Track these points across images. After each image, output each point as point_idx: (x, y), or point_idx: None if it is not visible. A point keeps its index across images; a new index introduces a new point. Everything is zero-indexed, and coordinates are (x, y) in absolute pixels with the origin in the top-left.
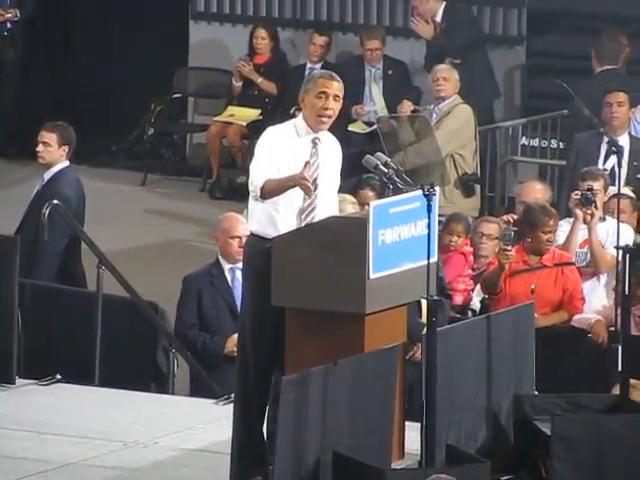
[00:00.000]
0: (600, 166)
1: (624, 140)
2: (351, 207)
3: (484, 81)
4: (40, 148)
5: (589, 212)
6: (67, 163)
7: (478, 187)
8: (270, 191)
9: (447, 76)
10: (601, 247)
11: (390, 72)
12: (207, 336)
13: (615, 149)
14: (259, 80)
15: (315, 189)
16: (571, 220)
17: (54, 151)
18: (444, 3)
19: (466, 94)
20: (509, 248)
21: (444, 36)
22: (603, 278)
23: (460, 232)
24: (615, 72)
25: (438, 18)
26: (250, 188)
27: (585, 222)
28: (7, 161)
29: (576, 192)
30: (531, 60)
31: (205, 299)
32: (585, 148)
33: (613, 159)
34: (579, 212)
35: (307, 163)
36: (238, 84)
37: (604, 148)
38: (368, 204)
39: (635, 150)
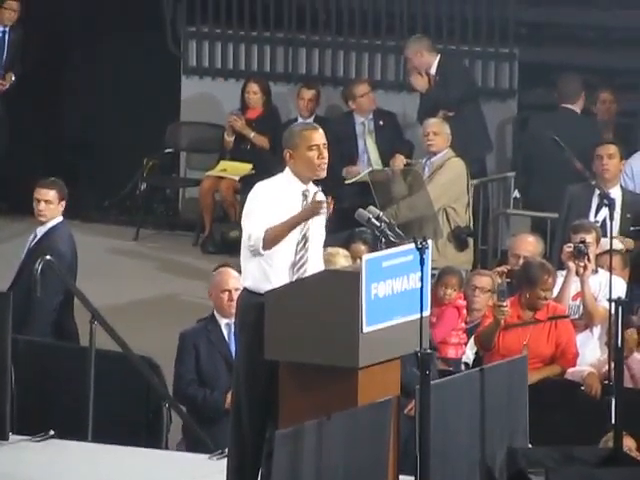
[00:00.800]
0: (592, 218)
1: (615, 192)
2: (344, 260)
3: (477, 134)
4: (42, 207)
5: (582, 264)
6: (61, 218)
7: (472, 241)
8: (273, 238)
9: (437, 130)
10: (594, 300)
11: (381, 123)
12: (207, 391)
13: (607, 202)
14: (252, 135)
15: (305, 243)
16: (563, 273)
17: (55, 208)
18: (438, 56)
19: (459, 147)
20: (504, 304)
21: (438, 88)
22: (596, 331)
23: (454, 285)
24: (570, 111)
25: (432, 71)
26: (249, 244)
27: (578, 274)
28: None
29: (569, 245)
30: (523, 113)
31: (202, 354)
32: (577, 200)
33: (604, 211)
34: (572, 265)
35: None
36: (230, 139)
37: (595, 200)
38: (360, 258)
39: (627, 202)
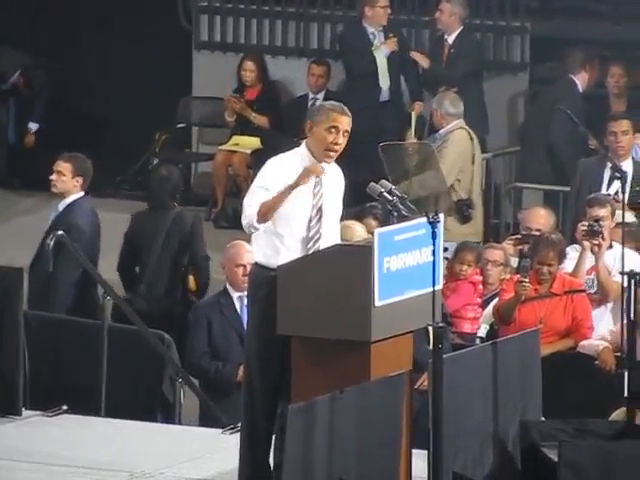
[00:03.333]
0: (604, 191)
1: (627, 165)
2: (362, 231)
3: (476, 114)
4: (54, 177)
5: (596, 243)
6: (81, 194)
7: (479, 213)
8: (267, 209)
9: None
10: (608, 276)
11: (391, 35)
12: (219, 364)
13: (619, 174)
14: (252, 116)
15: (320, 218)
16: (578, 247)
17: (67, 181)
18: (461, 28)
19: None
20: (526, 280)
21: (449, 62)
22: (610, 304)
23: (471, 261)
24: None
25: (450, 40)
26: (243, 223)
27: (592, 252)
28: (10, 192)
29: (582, 223)
30: (534, 87)
31: (215, 328)
32: (589, 174)
33: (616, 184)
34: (586, 243)
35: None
36: (231, 118)
37: (607, 173)
38: (371, 233)
39: (638, 174)
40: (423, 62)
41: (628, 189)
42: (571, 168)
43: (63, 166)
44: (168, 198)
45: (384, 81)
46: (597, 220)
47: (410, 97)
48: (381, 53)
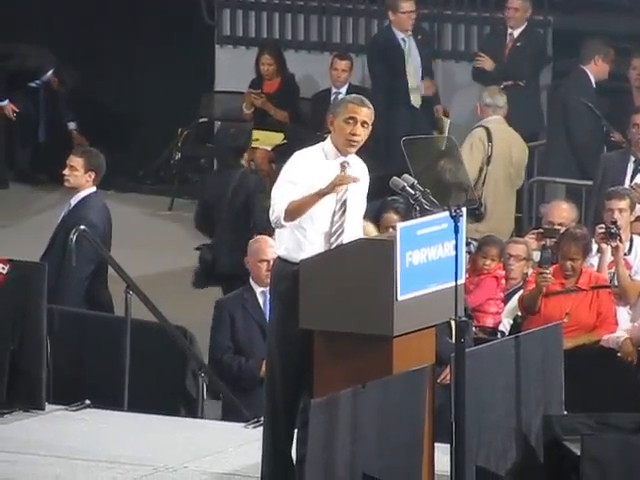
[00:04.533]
0: (627, 185)
1: None
2: (373, 231)
3: (533, 111)
4: (66, 172)
5: (614, 245)
6: (94, 189)
7: (492, 212)
8: (295, 209)
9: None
10: (628, 277)
11: (420, 37)
12: (242, 359)
13: None
14: (272, 111)
15: (343, 212)
16: (595, 246)
17: (80, 176)
18: (526, 24)
19: (514, 120)
20: (547, 271)
21: (512, 57)
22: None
23: (494, 256)
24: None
25: (515, 34)
26: (271, 217)
27: (612, 255)
28: (36, 188)
29: (600, 226)
30: (557, 80)
31: (238, 323)
32: (611, 167)
33: (639, 178)
34: (604, 246)
35: (343, 164)
36: (249, 111)
37: (631, 167)
38: (392, 227)
39: None
40: (486, 65)
41: None
42: (589, 161)
43: (75, 161)
44: (233, 158)
45: (415, 98)
46: (614, 222)
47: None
48: (412, 64)
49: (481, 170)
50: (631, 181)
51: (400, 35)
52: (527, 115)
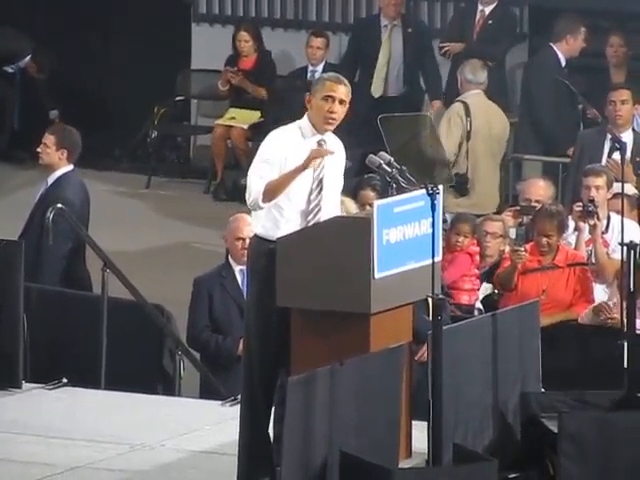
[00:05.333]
0: (604, 162)
1: (627, 136)
2: (354, 207)
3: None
4: (40, 149)
5: (592, 223)
6: (70, 167)
7: (474, 186)
8: (273, 189)
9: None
10: (606, 256)
11: (410, 30)
12: (220, 337)
13: (618, 145)
14: (250, 89)
15: (320, 190)
16: (572, 223)
17: (52, 153)
18: (497, 1)
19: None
20: (521, 248)
21: (483, 35)
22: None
23: (467, 232)
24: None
25: (487, 10)
26: (249, 200)
27: (589, 233)
28: (12, 165)
29: (577, 204)
30: (533, 58)
31: (216, 301)
32: (588, 145)
33: (616, 155)
34: (582, 224)
35: (319, 142)
36: (224, 88)
37: (607, 145)
38: (369, 204)
39: (638, 145)
40: (454, 49)
41: (628, 160)
42: (558, 138)
43: (48, 138)
44: None
45: (376, 88)
46: (591, 201)
47: (429, 96)
48: (386, 53)
49: (460, 145)
50: (608, 158)
51: (384, 22)
52: (496, 94)
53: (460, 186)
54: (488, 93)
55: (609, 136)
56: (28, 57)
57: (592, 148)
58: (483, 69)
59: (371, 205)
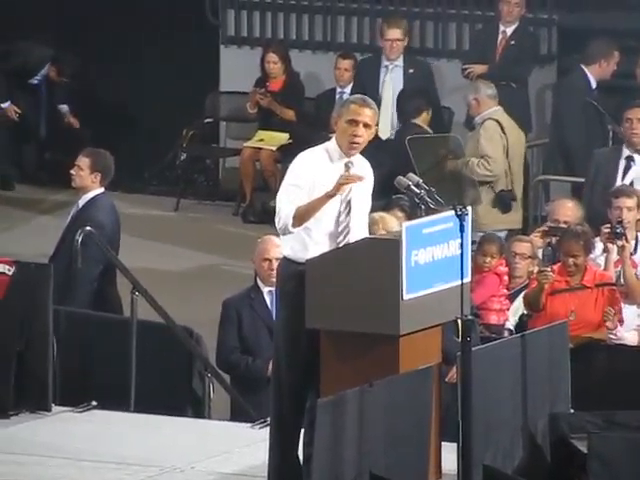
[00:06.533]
0: (619, 181)
1: None
2: (396, 223)
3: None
4: (73, 171)
5: (620, 244)
6: (101, 190)
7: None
8: (303, 214)
9: (475, 95)
10: (634, 277)
11: (411, 71)
12: (250, 359)
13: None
14: (278, 110)
15: (348, 212)
16: (600, 244)
17: (85, 176)
18: (519, 22)
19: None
20: (547, 269)
21: (506, 56)
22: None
23: (494, 253)
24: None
25: (509, 32)
26: (278, 224)
27: (618, 254)
28: (42, 189)
29: (606, 225)
30: (562, 79)
31: (245, 322)
32: (604, 163)
33: (632, 174)
34: (611, 245)
35: (347, 165)
36: (253, 111)
37: (622, 163)
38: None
39: None
40: (477, 70)
41: None
42: (587, 159)
43: (82, 161)
44: None
45: (383, 128)
46: (620, 221)
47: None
48: (385, 95)
49: (501, 161)
50: (623, 177)
51: (385, 62)
52: (520, 115)
53: (506, 202)
54: (511, 114)
55: (625, 154)
56: (48, 64)
57: (607, 167)
58: (492, 84)
59: (402, 225)
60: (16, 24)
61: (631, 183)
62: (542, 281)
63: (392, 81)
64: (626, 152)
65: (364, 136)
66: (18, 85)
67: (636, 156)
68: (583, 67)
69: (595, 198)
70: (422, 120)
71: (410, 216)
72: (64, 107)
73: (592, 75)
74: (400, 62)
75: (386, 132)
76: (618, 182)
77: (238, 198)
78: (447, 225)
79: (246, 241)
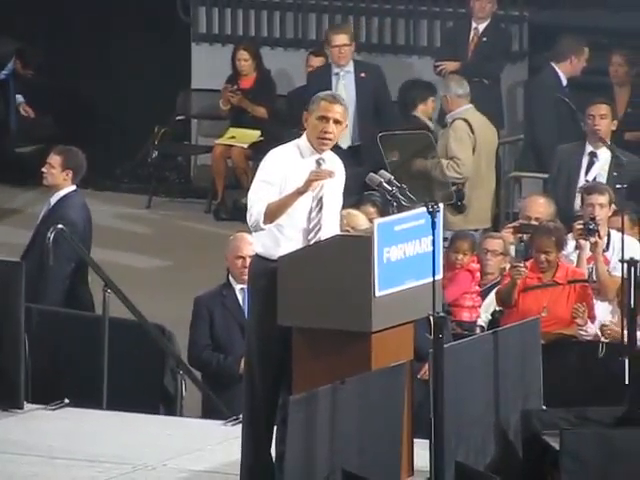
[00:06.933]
0: (582, 177)
1: (604, 152)
2: (365, 220)
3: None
4: (44, 169)
5: (593, 241)
6: (73, 187)
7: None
8: (274, 211)
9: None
10: (607, 273)
11: (363, 75)
12: (221, 356)
13: (619, 162)
14: (250, 108)
15: (320, 209)
16: (573, 241)
17: (57, 174)
18: (489, 20)
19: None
20: (520, 264)
21: (478, 53)
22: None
23: (466, 250)
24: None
25: (480, 28)
26: (250, 221)
27: (590, 250)
28: (12, 186)
29: (578, 222)
30: (533, 76)
31: (217, 320)
32: (567, 160)
33: (595, 170)
34: (583, 242)
35: (318, 161)
36: (226, 108)
37: (586, 159)
38: (370, 220)
39: (615, 161)
40: (450, 67)
41: (604, 174)
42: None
43: (54, 159)
44: None
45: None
46: (592, 219)
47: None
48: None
49: (466, 161)
50: (586, 173)
51: (335, 70)
52: (492, 112)
53: (456, 204)
54: (484, 111)
55: (588, 150)
56: (13, 58)
57: (570, 163)
58: (465, 81)
59: (371, 220)
60: None
61: (594, 179)
62: (515, 276)
63: (345, 88)
64: (589, 148)
65: (335, 132)
66: None
67: (599, 152)
68: (553, 65)
69: (559, 194)
70: (421, 112)
71: (382, 212)
72: (19, 97)
73: (562, 72)
74: (350, 67)
75: (347, 141)
76: (581, 178)
77: (210, 195)
78: (419, 222)
79: (218, 238)
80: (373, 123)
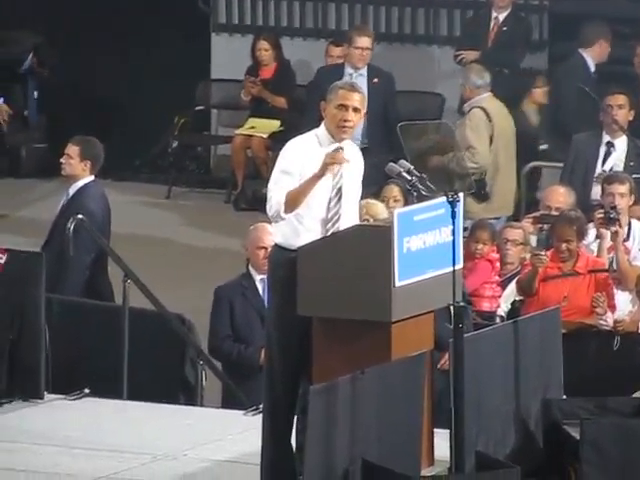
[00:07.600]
0: (599, 167)
1: (622, 142)
2: (385, 209)
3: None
4: (63, 160)
5: (613, 230)
6: (92, 178)
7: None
8: (294, 199)
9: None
10: (628, 265)
11: (375, 80)
12: (242, 346)
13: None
14: (270, 98)
15: (339, 199)
16: (593, 231)
17: (75, 164)
18: (510, 8)
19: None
20: (542, 252)
21: (498, 42)
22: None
23: (486, 240)
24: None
25: (501, 18)
26: (270, 212)
27: (611, 240)
28: (32, 177)
29: (599, 211)
30: (553, 65)
31: (237, 310)
32: (583, 149)
33: (612, 160)
34: (604, 231)
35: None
36: (247, 98)
37: (603, 149)
38: (394, 198)
39: (632, 150)
40: (470, 57)
41: (621, 164)
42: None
43: (72, 149)
44: None
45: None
46: (613, 207)
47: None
48: None
49: (484, 150)
50: (603, 163)
51: (349, 70)
52: (511, 101)
53: (478, 192)
54: (502, 99)
55: (605, 140)
56: (30, 55)
57: (587, 152)
58: (486, 71)
59: (395, 199)
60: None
61: (611, 169)
62: (536, 264)
63: None
64: (606, 138)
65: (354, 120)
66: (8, 77)
67: (616, 142)
68: (581, 51)
69: (575, 183)
70: None
71: (405, 191)
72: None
73: (591, 58)
74: (364, 71)
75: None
76: (598, 168)
77: (230, 185)
78: (439, 212)
79: (238, 228)
80: (380, 129)
